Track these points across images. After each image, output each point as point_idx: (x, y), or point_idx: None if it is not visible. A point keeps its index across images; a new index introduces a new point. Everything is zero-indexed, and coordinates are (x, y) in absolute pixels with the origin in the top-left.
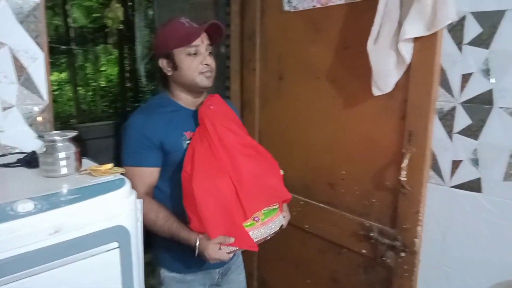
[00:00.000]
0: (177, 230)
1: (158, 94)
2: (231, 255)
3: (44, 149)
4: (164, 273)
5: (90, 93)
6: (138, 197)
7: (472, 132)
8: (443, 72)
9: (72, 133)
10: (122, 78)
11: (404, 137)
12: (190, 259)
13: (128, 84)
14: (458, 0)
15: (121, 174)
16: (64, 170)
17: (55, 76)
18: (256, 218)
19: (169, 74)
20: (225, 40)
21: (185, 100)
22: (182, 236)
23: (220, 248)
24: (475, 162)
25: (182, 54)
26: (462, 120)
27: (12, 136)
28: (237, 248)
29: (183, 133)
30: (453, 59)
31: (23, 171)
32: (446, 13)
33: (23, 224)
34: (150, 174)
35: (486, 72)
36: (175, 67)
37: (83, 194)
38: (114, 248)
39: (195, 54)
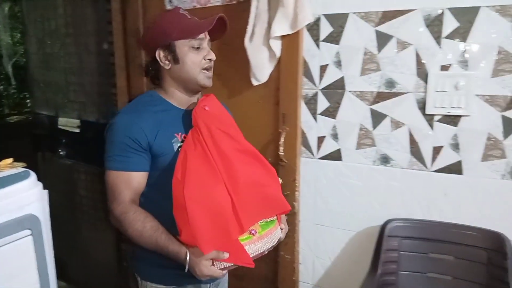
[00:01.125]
0: (166, 242)
1: (146, 92)
2: (225, 271)
3: None
4: (151, 287)
5: None
6: (123, 205)
7: (330, 112)
8: (306, 64)
9: None
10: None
11: (279, 119)
12: (179, 272)
13: None
14: (314, 4)
15: (23, 167)
16: None
17: None
18: (253, 231)
19: (167, 68)
20: (107, 36)
21: (179, 98)
22: (171, 250)
23: (212, 264)
24: (335, 136)
25: (186, 46)
26: (322, 103)
27: None
28: (232, 264)
29: (174, 135)
30: (312, 53)
31: None
32: (305, 15)
33: None
34: (137, 179)
35: (338, 64)
36: (176, 60)
37: None
38: (27, 236)
39: (198, 48)
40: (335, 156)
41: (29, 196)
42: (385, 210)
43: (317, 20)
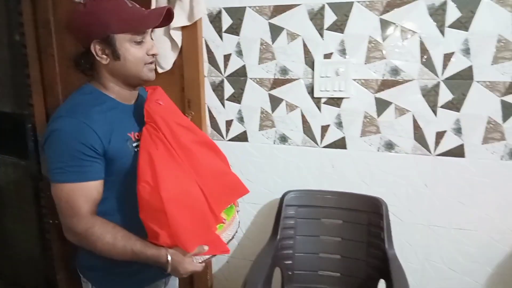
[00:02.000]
0: (143, 249)
1: (82, 88)
2: (203, 264)
3: None
4: None
5: None
6: (86, 220)
7: (236, 98)
8: (211, 54)
9: None
10: None
11: (185, 104)
12: (135, 275)
13: None
14: None
15: None
16: None
17: None
18: (223, 220)
19: (105, 62)
20: (18, 28)
21: (120, 94)
22: (150, 255)
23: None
24: (241, 119)
25: (127, 41)
26: (228, 89)
27: None
28: (210, 256)
29: (127, 135)
30: (216, 44)
31: None
32: (199, 9)
33: None
34: (95, 188)
35: (240, 53)
36: (115, 56)
37: None
38: None
39: (140, 42)
40: (242, 137)
41: None
42: (285, 183)
43: (219, 13)
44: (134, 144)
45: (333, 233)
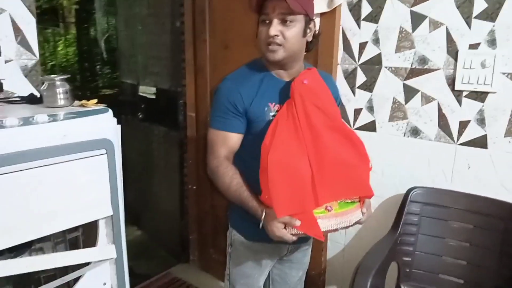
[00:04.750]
0: (247, 199)
1: (252, 61)
2: (295, 237)
3: (46, 86)
4: (235, 235)
5: (49, 71)
6: (218, 159)
7: (367, 86)
8: (347, 42)
9: (65, 76)
10: (80, 58)
11: None
12: (261, 229)
13: (86, 64)
14: None
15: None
16: (62, 102)
17: None
18: (329, 208)
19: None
20: (179, 17)
21: (276, 70)
22: (251, 206)
23: (285, 228)
24: (371, 109)
25: (260, 21)
26: (360, 77)
27: (11, 83)
28: (302, 232)
29: (267, 104)
30: (353, 32)
31: (28, 106)
32: None
33: (42, 129)
34: (232, 139)
35: (376, 41)
36: (256, 34)
37: (80, 114)
38: (103, 154)
39: (265, 22)
40: (370, 127)
41: (106, 125)
42: (412, 178)
43: (359, 1)
44: (272, 113)
45: (461, 237)
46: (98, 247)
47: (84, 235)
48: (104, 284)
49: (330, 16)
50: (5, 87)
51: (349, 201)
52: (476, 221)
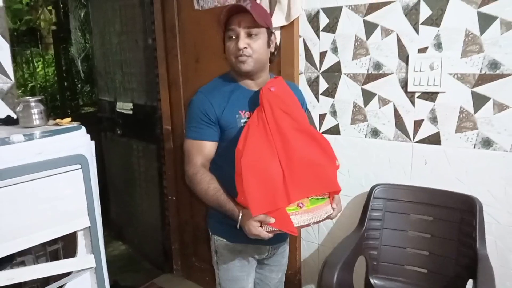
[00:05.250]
0: (224, 202)
1: (223, 74)
2: (271, 234)
3: (21, 108)
4: (218, 240)
5: (29, 92)
6: (194, 167)
7: (329, 92)
8: (308, 52)
9: (40, 97)
10: (60, 78)
11: None
12: (240, 230)
13: (65, 83)
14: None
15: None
16: (37, 122)
17: None
18: (300, 204)
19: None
20: (150, 34)
21: (244, 81)
22: (228, 208)
23: (261, 226)
24: (334, 113)
25: (226, 37)
26: (323, 85)
27: None
28: (277, 229)
29: (238, 111)
30: (313, 42)
31: (4, 128)
32: (296, 9)
33: (17, 148)
34: (207, 147)
35: (335, 50)
36: (224, 50)
37: (54, 132)
38: (78, 169)
39: (233, 38)
40: (335, 130)
41: (80, 142)
42: (376, 177)
43: (317, 13)
44: (243, 120)
45: (422, 229)
46: (78, 257)
47: (64, 248)
48: None
49: (289, 28)
50: None
51: (319, 197)
52: (435, 213)
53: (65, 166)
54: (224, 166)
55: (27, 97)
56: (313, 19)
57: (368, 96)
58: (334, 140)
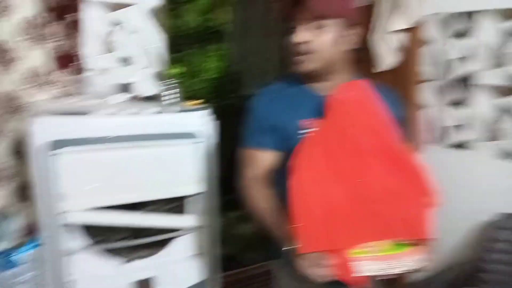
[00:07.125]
0: (274, 227)
1: (291, 73)
2: (327, 279)
3: (163, 88)
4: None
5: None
6: (243, 180)
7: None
8: (433, 58)
9: (176, 81)
10: (229, 71)
11: None
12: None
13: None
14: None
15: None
16: (173, 101)
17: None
18: (371, 248)
19: None
20: None
21: (311, 83)
22: (277, 235)
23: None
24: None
25: (289, 29)
26: (449, 94)
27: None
28: (334, 276)
29: (300, 120)
30: (439, 48)
31: (147, 103)
32: (417, 14)
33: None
34: (261, 157)
35: (463, 59)
36: None
37: (184, 110)
38: (200, 142)
39: (293, 30)
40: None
41: (203, 120)
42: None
43: (447, 17)
44: (305, 131)
45: None
46: (190, 216)
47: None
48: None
49: (412, 32)
50: (136, 90)
51: (398, 243)
52: None
53: (190, 138)
54: (281, 179)
55: (168, 80)
56: (444, 24)
57: (503, 111)
58: (456, 158)
